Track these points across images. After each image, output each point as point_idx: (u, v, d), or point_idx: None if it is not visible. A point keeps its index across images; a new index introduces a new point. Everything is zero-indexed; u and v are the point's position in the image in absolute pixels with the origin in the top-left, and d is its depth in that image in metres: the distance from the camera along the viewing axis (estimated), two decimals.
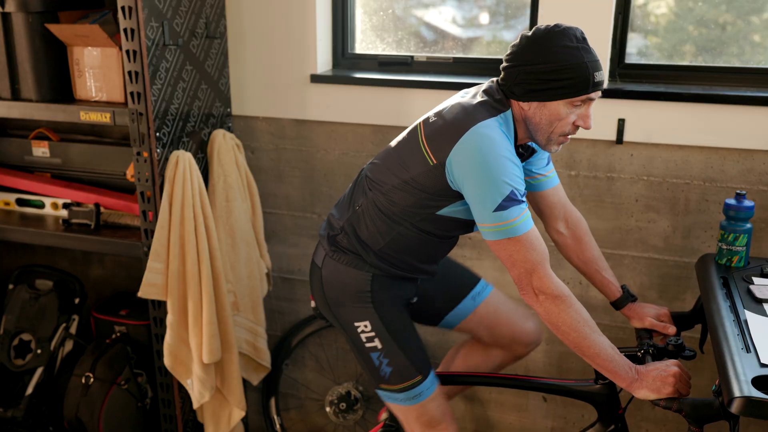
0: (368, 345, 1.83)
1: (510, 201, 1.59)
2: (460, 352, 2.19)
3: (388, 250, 1.79)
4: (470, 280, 2.08)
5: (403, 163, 1.73)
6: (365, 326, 1.82)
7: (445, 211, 1.73)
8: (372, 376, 1.88)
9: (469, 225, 1.76)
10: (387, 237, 1.78)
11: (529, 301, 1.67)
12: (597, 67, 1.62)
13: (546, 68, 1.60)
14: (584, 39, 1.63)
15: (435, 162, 1.66)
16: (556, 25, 1.63)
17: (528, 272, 1.64)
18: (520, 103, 1.66)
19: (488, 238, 1.64)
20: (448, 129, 1.65)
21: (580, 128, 1.68)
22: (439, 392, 1.90)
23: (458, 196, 1.68)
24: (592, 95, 1.63)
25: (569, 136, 1.70)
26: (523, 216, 1.61)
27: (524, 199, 1.63)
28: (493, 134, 1.62)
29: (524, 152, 1.79)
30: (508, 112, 1.68)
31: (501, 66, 1.70)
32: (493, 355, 2.12)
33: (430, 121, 1.73)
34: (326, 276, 1.86)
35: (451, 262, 2.09)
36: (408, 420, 1.92)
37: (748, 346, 1.50)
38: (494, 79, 1.74)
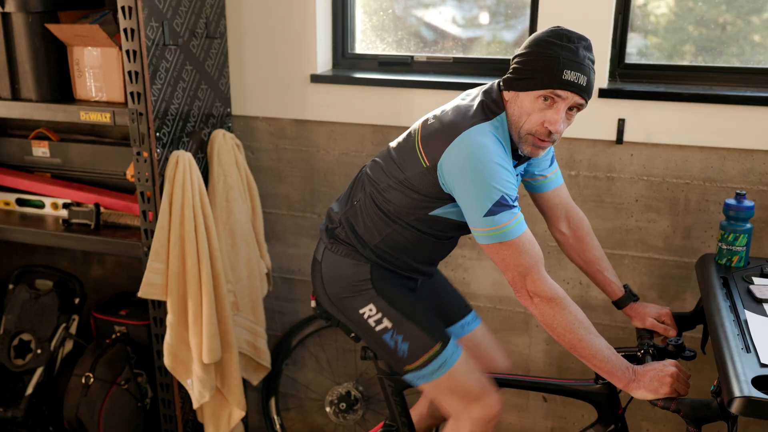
0: (378, 328, 1.80)
1: (500, 206, 1.58)
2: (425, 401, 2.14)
3: (383, 246, 1.80)
4: (463, 308, 2.07)
5: (400, 163, 1.73)
6: (370, 310, 1.80)
7: (438, 212, 1.73)
8: (394, 362, 1.83)
9: (463, 227, 1.75)
10: (382, 233, 1.78)
11: (524, 302, 1.66)
12: (572, 66, 1.57)
13: (522, 58, 1.63)
14: (578, 41, 1.59)
15: (428, 164, 1.66)
16: (560, 27, 1.64)
17: (521, 275, 1.64)
18: (505, 96, 1.68)
19: (481, 242, 1.64)
20: (441, 132, 1.65)
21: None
22: (467, 358, 1.83)
23: (451, 199, 1.69)
24: (560, 93, 1.58)
25: (544, 142, 1.65)
26: (515, 221, 1.60)
27: (516, 203, 1.61)
28: (485, 140, 1.61)
29: (523, 154, 1.79)
30: (503, 115, 1.68)
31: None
32: None
33: (428, 123, 1.73)
34: (326, 269, 1.86)
35: (449, 286, 2.09)
36: (446, 398, 1.84)
37: (748, 346, 1.50)
38: (498, 80, 1.75)
